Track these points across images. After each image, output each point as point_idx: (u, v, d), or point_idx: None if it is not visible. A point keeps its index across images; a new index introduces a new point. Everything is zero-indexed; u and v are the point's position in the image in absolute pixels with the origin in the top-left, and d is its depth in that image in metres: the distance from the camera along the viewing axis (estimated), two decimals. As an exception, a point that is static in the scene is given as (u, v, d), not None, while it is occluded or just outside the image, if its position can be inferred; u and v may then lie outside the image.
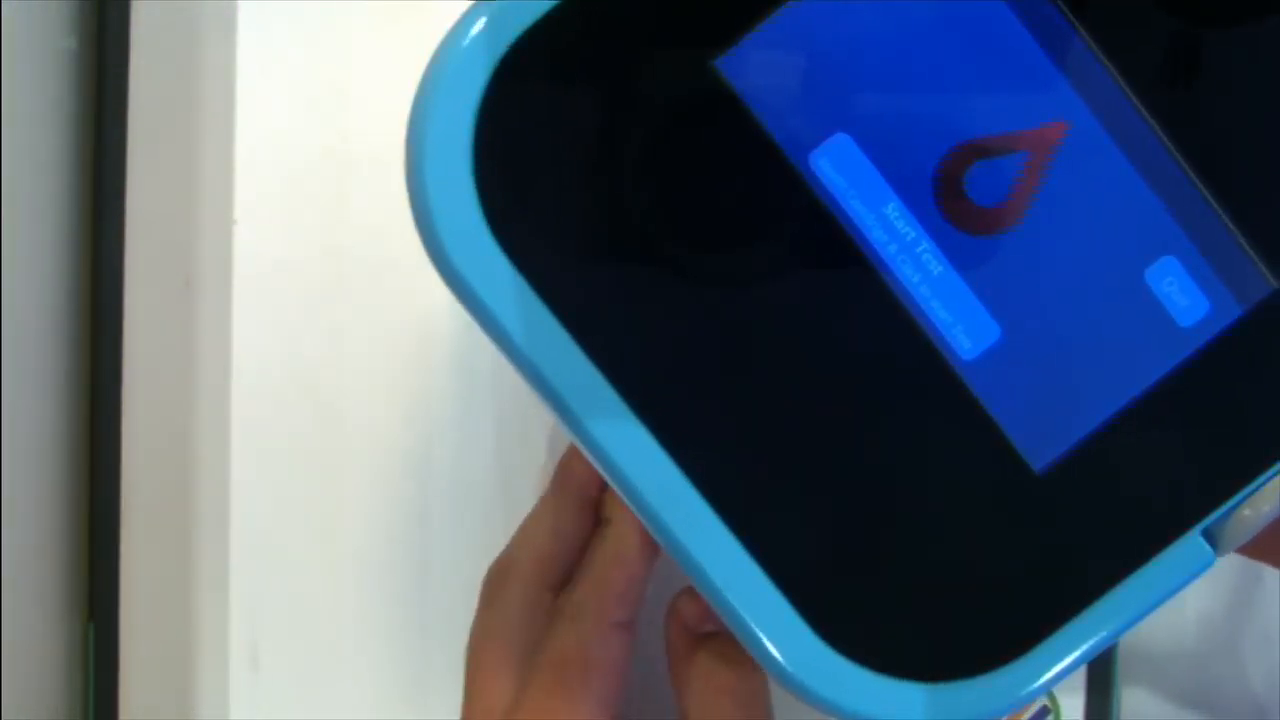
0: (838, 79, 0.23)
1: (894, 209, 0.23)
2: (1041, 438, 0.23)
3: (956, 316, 0.23)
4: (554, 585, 0.32)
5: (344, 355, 0.36)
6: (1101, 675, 0.35)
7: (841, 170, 0.23)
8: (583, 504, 0.31)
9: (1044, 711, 0.35)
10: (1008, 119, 0.23)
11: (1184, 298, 0.23)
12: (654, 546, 0.29)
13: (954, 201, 0.23)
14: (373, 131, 0.36)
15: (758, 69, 0.22)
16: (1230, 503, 0.23)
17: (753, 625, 0.24)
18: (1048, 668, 0.24)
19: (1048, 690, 0.24)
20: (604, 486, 0.31)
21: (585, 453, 0.24)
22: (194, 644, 0.37)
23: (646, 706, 0.33)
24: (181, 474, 0.36)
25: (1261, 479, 0.23)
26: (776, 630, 0.24)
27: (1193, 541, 0.23)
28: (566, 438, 0.33)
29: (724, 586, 0.24)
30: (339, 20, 0.36)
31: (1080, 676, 0.35)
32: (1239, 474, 0.23)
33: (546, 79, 0.23)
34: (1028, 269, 0.23)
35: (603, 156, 0.23)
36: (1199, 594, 0.34)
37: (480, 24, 0.22)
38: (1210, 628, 0.35)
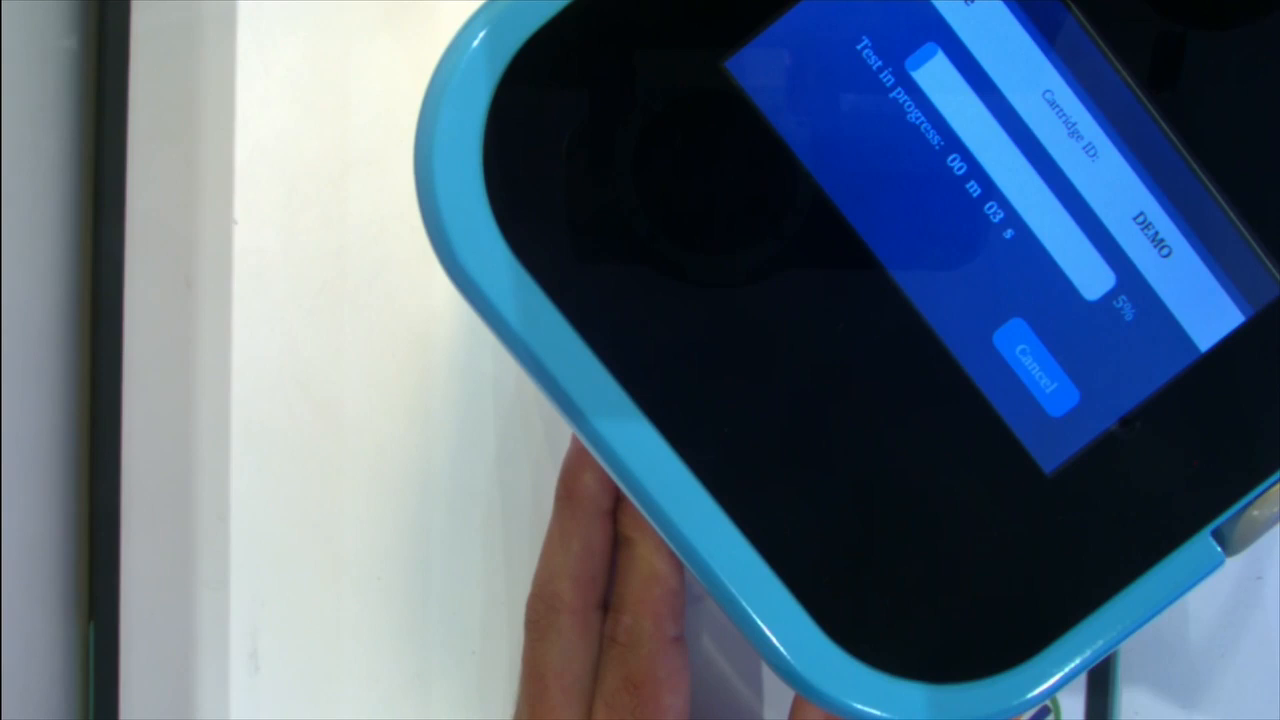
0: (844, 80, 0.23)
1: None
2: (1051, 439, 0.23)
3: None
4: (599, 603, 0.32)
5: (344, 355, 0.36)
6: (1101, 675, 0.35)
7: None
8: (596, 516, 0.32)
9: (1044, 712, 0.35)
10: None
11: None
12: None
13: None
14: (373, 132, 0.36)
15: (766, 70, 0.23)
16: (1240, 503, 0.23)
17: (760, 623, 0.24)
18: (1055, 671, 0.24)
19: (1055, 693, 0.24)
20: (616, 496, 0.31)
21: (591, 451, 0.24)
22: (194, 644, 0.37)
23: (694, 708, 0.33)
24: (181, 474, 0.36)
25: (1271, 480, 0.23)
26: (784, 628, 0.24)
27: (1203, 542, 0.24)
28: (566, 440, 0.33)
29: (731, 583, 0.24)
30: (339, 20, 0.36)
31: (1080, 676, 0.35)
32: (1249, 474, 0.23)
33: (555, 81, 0.22)
34: (1034, 274, 0.23)
35: (612, 157, 0.23)
36: (1199, 594, 0.35)
37: (489, 25, 0.22)
38: (1210, 628, 0.35)
